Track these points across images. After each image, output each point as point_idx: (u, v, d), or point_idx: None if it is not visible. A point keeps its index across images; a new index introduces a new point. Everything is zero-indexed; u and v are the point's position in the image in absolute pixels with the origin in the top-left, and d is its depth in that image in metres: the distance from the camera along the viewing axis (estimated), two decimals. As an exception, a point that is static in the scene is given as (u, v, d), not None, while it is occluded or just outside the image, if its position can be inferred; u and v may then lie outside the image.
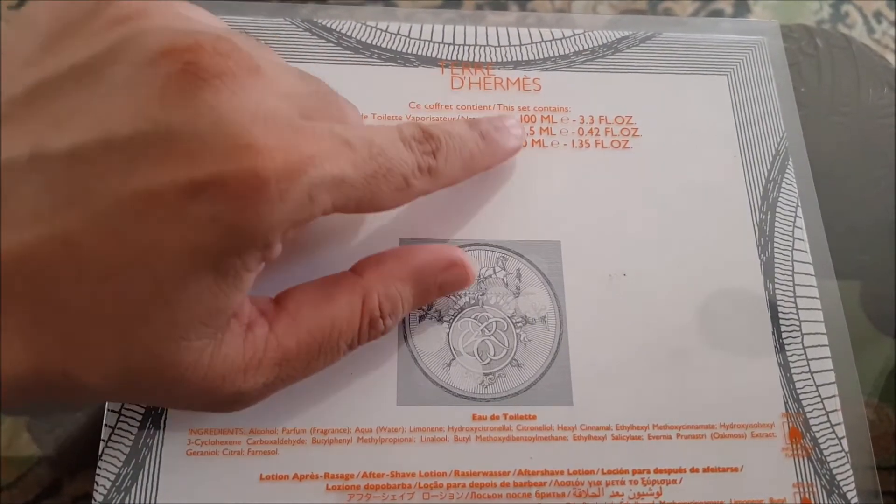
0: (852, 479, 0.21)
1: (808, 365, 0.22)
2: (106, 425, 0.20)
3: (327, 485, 0.20)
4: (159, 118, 0.14)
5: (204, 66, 0.15)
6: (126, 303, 0.15)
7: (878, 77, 0.33)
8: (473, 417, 0.21)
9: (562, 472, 0.20)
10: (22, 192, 0.15)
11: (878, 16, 0.44)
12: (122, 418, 0.20)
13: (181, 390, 0.16)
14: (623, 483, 0.20)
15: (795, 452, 0.21)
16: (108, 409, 0.20)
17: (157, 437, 0.20)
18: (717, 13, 0.41)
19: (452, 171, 0.20)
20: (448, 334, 0.22)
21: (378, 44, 0.25)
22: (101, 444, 0.20)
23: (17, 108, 0.15)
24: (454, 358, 0.21)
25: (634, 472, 0.21)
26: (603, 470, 0.20)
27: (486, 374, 0.21)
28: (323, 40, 0.25)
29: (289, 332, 0.18)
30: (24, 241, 0.15)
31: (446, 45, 0.25)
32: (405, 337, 0.22)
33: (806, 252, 0.23)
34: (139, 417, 0.20)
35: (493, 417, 0.21)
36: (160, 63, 0.15)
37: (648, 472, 0.21)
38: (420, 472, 0.20)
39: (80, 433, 0.27)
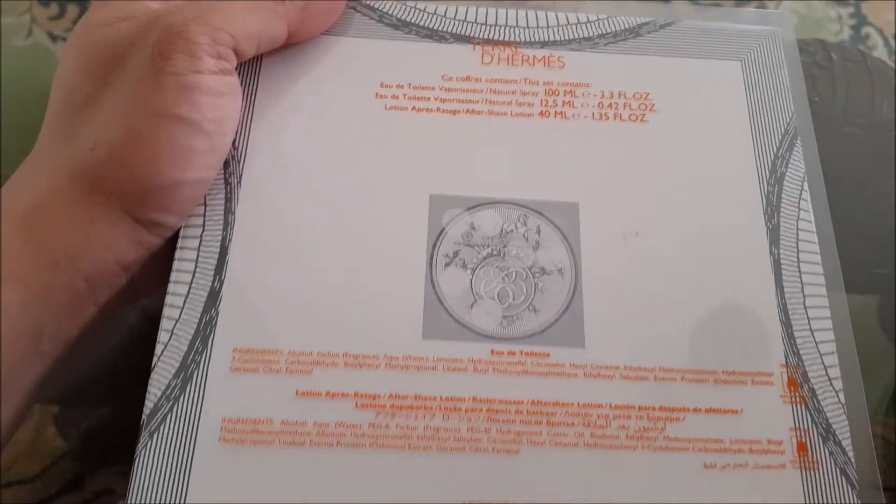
0: (848, 429, 0.22)
1: (809, 323, 0.24)
2: (159, 342, 0.22)
3: (356, 402, 0.22)
4: None
5: None
6: None
7: (892, 90, 0.34)
8: (492, 352, 0.23)
9: (572, 405, 0.22)
10: None
11: (900, 38, 0.45)
12: (173, 337, 0.22)
13: None
14: (629, 417, 0.22)
15: (793, 400, 0.22)
16: (162, 329, 0.22)
17: (204, 354, 0.22)
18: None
19: None
20: (471, 280, 0.24)
21: (416, 22, 0.27)
22: (154, 359, 0.22)
23: None
24: (476, 301, 0.23)
25: (640, 408, 0.22)
26: (611, 405, 0.22)
27: (504, 317, 0.23)
28: (366, 17, 0.27)
29: None
30: None
31: (479, 25, 0.28)
32: (431, 281, 0.23)
33: (810, 222, 0.25)
34: (189, 337, 0.22)
35: (510, 353, 0.23)
36: None
37: (653, 409, 0.22)
38: (441, 396, 0.22)
39: (106, 428, 0.28)
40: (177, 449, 0.21)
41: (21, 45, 0.35)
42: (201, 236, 0.23)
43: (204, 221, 0.24)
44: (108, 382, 0.29)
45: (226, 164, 0.24)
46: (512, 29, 0.28)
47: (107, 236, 0.22)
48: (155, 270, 0.24)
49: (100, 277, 0.22)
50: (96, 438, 0.28)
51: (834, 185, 0.26)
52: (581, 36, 0.28)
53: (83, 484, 0.27)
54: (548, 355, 0.23)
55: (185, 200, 0.23)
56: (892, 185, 0.32)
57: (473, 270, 0.24)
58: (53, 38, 0.36)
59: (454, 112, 0.26)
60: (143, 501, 0.20)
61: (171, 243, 0.24)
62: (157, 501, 0.20)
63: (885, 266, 0.32)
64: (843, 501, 0.21)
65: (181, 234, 0.24)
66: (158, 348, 0.22)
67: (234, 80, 0.23)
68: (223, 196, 0.24)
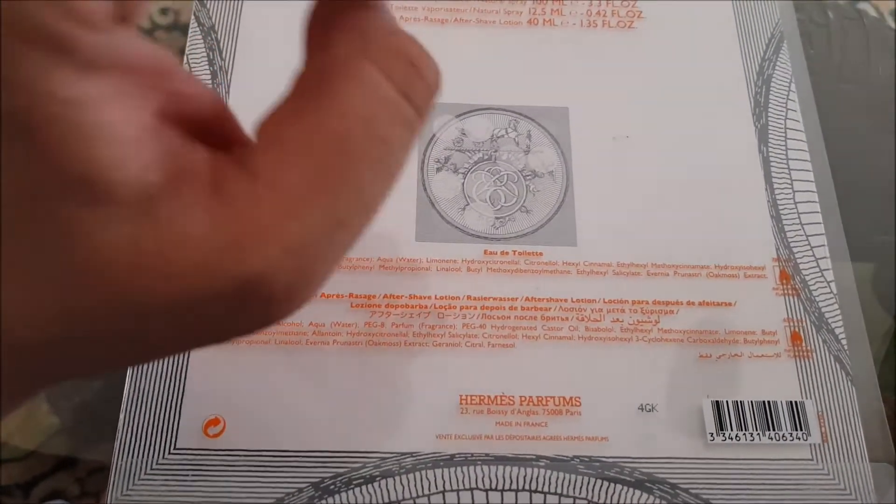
0: (840, 317, 0.22)
1: (799, 218, 0.24)
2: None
3: (351, 303, 0.22)
4: None
5: None
6: None
7: (888, 49, 0.33)
8: (485, 252, 0.23)
9: (566, 300, 0.22)
10: None
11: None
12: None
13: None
14: (623, 311, 0.22)
15: (785, 291, 0.23)
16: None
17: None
18: None
19: None
20: (463, 184, 0.23)
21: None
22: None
23: None
24: (468, 204, 0.23)
25: (634, 302, 0.22)
26: (604, 300, 0.22)
27: (497, 218, 0.23)
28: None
29: (279, 161, 0.11)
30: None
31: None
32: (423, 184, 0.23)
33: (798, 121, 0.25)
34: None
35: (503, 253, 0.23)
36: None
37: (647, 303, 0.22)
38: (436, 295, 0.22)
39: (100, 403, 0.27)
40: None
41: None
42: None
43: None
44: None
45: (213, 76, 0.24)
46: (497, -60, 0.27)
47: None
48: None
49: None
50: (90, 413, 0.27)
51: (830, 142, 0.26)
52: (567, -54, 0.27)
53: (77, 462, 0.26)
54: (540, 254, 0.23)
55: None
56: (892, 142, 0.31)
57: (465, 174, 0.24)
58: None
59: (442, 21, 0.26)
60: (136, 426, 0.20)
61: None
62: (153, 415, 0.20)
63: (885, 231, 0.30)
64: (837, 387, 0.22)
65: None
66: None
67: None
68: (209, 106, 0.24)
